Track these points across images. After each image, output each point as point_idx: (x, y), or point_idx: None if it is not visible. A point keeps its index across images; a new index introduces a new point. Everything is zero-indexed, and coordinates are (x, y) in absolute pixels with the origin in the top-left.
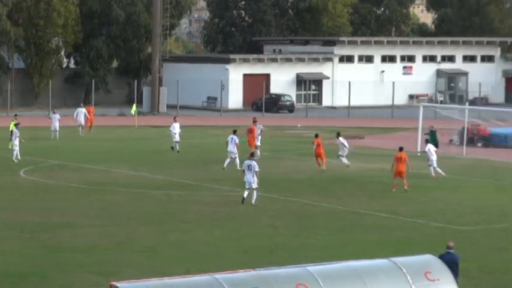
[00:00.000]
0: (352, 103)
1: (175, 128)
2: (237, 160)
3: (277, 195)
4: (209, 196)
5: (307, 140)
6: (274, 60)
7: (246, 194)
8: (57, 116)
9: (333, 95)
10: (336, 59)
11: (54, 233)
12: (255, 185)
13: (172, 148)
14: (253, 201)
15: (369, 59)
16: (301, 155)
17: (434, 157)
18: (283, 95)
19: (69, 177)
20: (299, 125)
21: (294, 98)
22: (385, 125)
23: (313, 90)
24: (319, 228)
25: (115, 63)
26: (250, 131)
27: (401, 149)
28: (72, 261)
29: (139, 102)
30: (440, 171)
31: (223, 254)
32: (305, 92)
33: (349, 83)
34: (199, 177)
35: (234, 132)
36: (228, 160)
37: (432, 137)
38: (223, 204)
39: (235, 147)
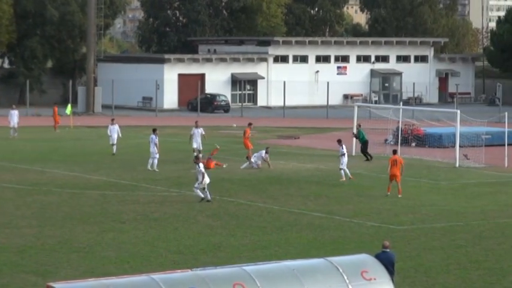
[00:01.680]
0: (287, 103)
1: (113, 130)
2: (156, 160)
3: (213, 195)
4: (145, 196)
5: (242, 140)
6: (209, 60)
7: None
8: (16, 112)
9: (268, 95)
10: (271, 59)
11: None
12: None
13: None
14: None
15: (304, 59)
16: (237, 155)
17: (345, 159)
18: (219, 95)
19: (4, 178)
20: (234, 125)
21: (229, 98)
22: (320, 125)
23: (248, 90)
24: (255, 228)
25: (50, 63)
26: (244, 134)
27: (395, 152)
28: (8, 262)
29: (75, 102)
30: (348, 173)
31: (160, 254)
32: (240, 92)
33: (284, 83)
34: (136, 177)
35: (154, 131)
36: (150, 161)
37: (360, 135)
38: (160, 204)
39: (155, 146)
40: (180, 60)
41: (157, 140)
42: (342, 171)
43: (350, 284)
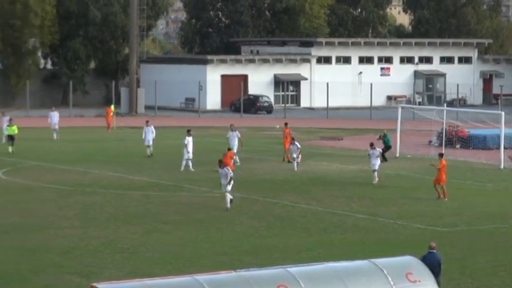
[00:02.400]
0: (330, 104)
1: (148, 131)
2: (188, 162)
3: (256, 196)
4: (188, 197)
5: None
6: (251, 61)
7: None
8: (56, 113)
9: (311, 96)
10: (314, 60)
11: (33, 235)
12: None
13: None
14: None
15: (347, 60)
16: (280, 156)
17: (378, 162)
18: (261, 96)
19: (48, 178)
20: (277, 126)
21: (272, 99)
22: (364, 126)
23: (291, 91)
24: (299, 230)
25: (92, 64)
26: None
27: (441, 155)
28: (52, 263)
29: (117, 103)
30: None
31: (203, 255)
32: (283, 93)
33: (327, 84)
34: (178, 178)
35: (188, 132)
36: (183, 162)
37: (386, 139)
38: (203, 205)
39: (185, 147)
40: (223, 61)
41: (188, 140)
42: (376, 172)
43: (394, 286)
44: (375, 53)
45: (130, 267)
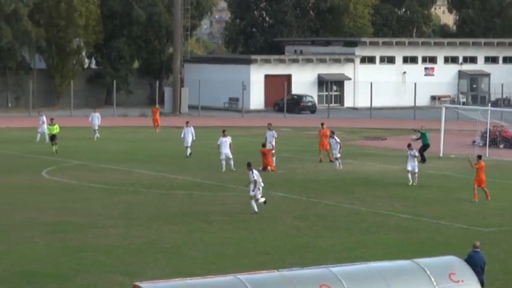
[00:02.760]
0: (374, 104)
1: (187, 132)
2: (231, 161)
3: (299, 196)
4: (232, 197)
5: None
6: (295, 61)
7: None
8: (97, 114)
9: (355, 96)
10: (358, 60)
11: (78, 234)
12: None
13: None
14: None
15: (391, 60)
16: (323, 156)
17: (416, 163)
18: (305, 96)
19: (92, 178)
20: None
21: (315, 99)
22: (408, 126)
23: (334, 91)
24: (342, 229)
25: (136, 64)
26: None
27: (480, 157)
28: (95, 262)
29: (161, 103)
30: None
31: (246, 255)
32: (327, 93)
33: (371, 83)
34: (222, 178)
35: (223, 132)
36: (223, 163)
37: (424, 138)
38: (247, 205)
39: (219, 147)
40: (267, 61)
41: (222, 141)
42: (416, 174)
43: (437, 286)
44: (419, 52)
45: (173, 267)
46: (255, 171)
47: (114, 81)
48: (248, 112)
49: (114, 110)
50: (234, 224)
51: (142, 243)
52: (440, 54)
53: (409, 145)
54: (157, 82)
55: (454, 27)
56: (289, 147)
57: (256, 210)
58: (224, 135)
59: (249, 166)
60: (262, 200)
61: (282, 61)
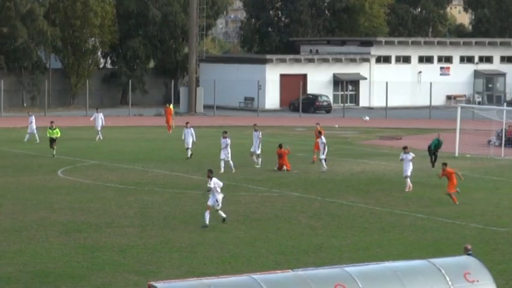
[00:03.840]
0: (390, 104)
1: (187, 134)
2: (231, 162)
3: (314, 195)
4: (246, 196)
5: (344, 141)
6: (311, 60)
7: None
8: (101, 115)
9: (370, 96)
10: (373, 60)
11: (93, 233)
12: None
13: (189, 157)
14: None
15: (406, 60)
16: (338, 155)
17: (411, 167)
18: (320, 96)
19: (107, 177)
20: (336, 126)
21: (331, 99)
22: (423, 125)
23: (350, 90)
24: (357, 229)
25: (152, 64)
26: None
27: (445, 164)
28: (111, 261)
29: (177, 103)
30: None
31: (261, 255)
32: (342, 93)
33: (386, 83)
34: (236, 177)
35: (224, 132)
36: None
37: (436, 142)
38: (261, 205)
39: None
40: (282, 61)
41: (229, 141)
42: (408, 179)
43: (453, 286)
44: (435, 52)
45: (188, 266)
46: (214, 180)
47: (130, 81)
48: (263, 112)
49: (130, 109)
50: (249, 223)
51: (157, 243)
52: (455, 53)
53: (405, 148)
54: (173, 82)
55: (470, 27)
56: (304, 147)
57: (207, 223)
58: (224, 137)
59: (210, 173)
60: (223, 215)
61: (297, 61)
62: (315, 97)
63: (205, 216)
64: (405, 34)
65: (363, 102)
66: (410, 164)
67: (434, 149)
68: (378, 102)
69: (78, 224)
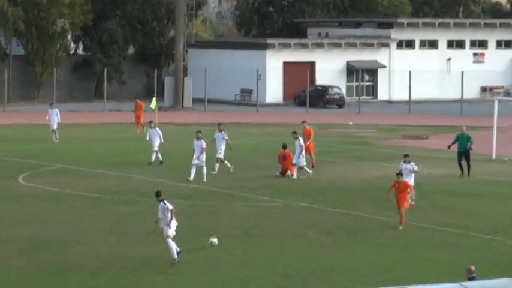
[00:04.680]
0: (413, 96)
1: (153, 134)
2: (194, 169)
3: (325, 206)
4: (244, 207)
5: (360, 141)
6: (320, 45)
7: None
8: (56, 111)
9: (390, 87)
10: (394, 45)
11: (59, 252)
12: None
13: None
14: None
15: (433, 45)
16: (353, 158)
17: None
18: (331, 87)
19: (78, 184)
20: (350, 123)
21: (343, 91)
22: (453, 122)
23: (366, 81)
24: (377, 247)
25: (131, 49)
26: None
27: (399, 174)
28: (82, 285)
29: (160, 95)
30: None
31: (262, 277)
32: (357, 84)
33: (410, 72)
34: (232, 185)
35: (198, 133)
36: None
37: (460, 142)
38: (262, 217)
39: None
40: (286, 46)
41: (197, 144)
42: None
43: None
44: (467, 36)
45: None
46: (167, 204)
47: (105, 70)
48: (264, 106)
49: (105, 103)
50: (247, 240)
51: (138, 263)
52: (491, 37)
53: (406, 156)
54: (156, 71)
55: (508, 6)
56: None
57: (176, 257)
58: (198, 138)
59: (158, 196)
60: (175, 249)
61: (303, 46)
62: (325, 89)
63: (170, 248)
64: (431, 14)
65: (382, 94)
66: (412, 177)
67: (464, 149)
68: (399, 94)
69: (42, 241)
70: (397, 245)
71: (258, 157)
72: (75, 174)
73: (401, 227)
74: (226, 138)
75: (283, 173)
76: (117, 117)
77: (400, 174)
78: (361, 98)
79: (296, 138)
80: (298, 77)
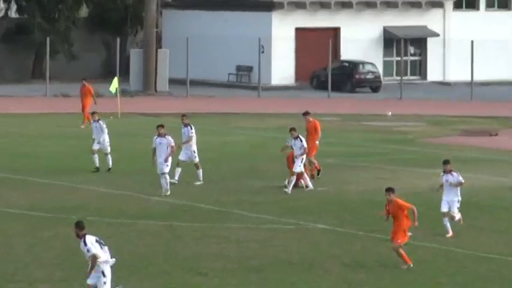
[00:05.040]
0: (477, 77)
1: (96, 130)
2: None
3: (353, 229)
4: (240, 231)
5: (403, 138)
6: (346, 5)
7: None
8: None
9: (445, 64)
10: (450, 4)
11: None
12: None
13: (97, 169)
14: None
15: (504, 5)
16: (392, 162)
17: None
18: (363, 64)
19: (11, 199)
20: (389, 113)
21: (380, 69)
22: None
23: (411, 55)
24: (424, 284)
25: (84, 11)
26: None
27: (390, 190)
28: None
29: (125, 75)
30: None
31: None
32: (398, 59)
33: (472, 43)
34: (223, 199)
35: (158, 127)
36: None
37: None
38: (265, 245)
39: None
40: (299, 6)
41: (158, 143)
42: (458, 217)
43: None
44: None
45: None
46: (87, 244)
47: (48, 39)
48: (268, 90)
49: (47, 86)
50: (245, 275)
51: None
52: None
53: (446, 162)
54: (119, 41)
55: None
56: (336, 149)
57: None
58: (160, 134)
59: (79, 228)
60: None
61: (324, 5)
62: (354, 66)
63: None
64: None
65: (433, 74)
66: (457, 192)
67: None
68: (457, 74)
69: None
70: (452, 283)
71: (260, 161)
72: (8, 185)
73: (406, 266)
74: (192, 134)
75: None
76: (63, 104)
77: (391, 190)
78: (404, 78)
79: (296, 138)
80: (317, 50)
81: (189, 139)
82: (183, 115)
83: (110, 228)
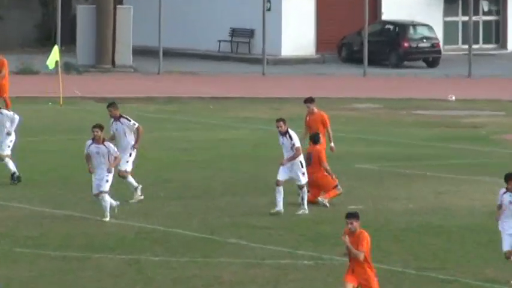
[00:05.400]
0: None
1: None
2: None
3: (399, 265)
4: (235, 267)
5: (473, 134)
6: None
7: None
8: None
9: None
10: None
11: None
12: None
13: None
14: None
15: None
16: (455, 168)
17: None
18: (414, 26)
19: None
20: (452, 98)
21: (439, 34)
22: None
23: (483, 14)
24: None
25: None
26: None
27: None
28: None
29: (69, 44)
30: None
31: None
32: (465, 19)
33: None
34: (215, 222)
35: (95, 127)
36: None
37: None
38: (272, 286)
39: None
40: None
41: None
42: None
43: None
44: None
45: None
46: None
47: None
48: (277, 64)
49: None
50: None
51: None
52: None
53: (508, 177)
54: None
55: None
56: (376, 149)
57: None
58: (96, 140)
59: None
60: None
61: None
62: (402, 29)
63: None
64: None
65: None
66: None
67: None
68: None
69: None
70: None
71: (265, 166)
72: None
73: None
74: (136, 128)
75: (313, 197)
76: None
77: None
78: (475, 47)
79: (284, 134)
80: (348, 7)
81: (137, 136)
82: (110, 105)
83: (55, 263)
